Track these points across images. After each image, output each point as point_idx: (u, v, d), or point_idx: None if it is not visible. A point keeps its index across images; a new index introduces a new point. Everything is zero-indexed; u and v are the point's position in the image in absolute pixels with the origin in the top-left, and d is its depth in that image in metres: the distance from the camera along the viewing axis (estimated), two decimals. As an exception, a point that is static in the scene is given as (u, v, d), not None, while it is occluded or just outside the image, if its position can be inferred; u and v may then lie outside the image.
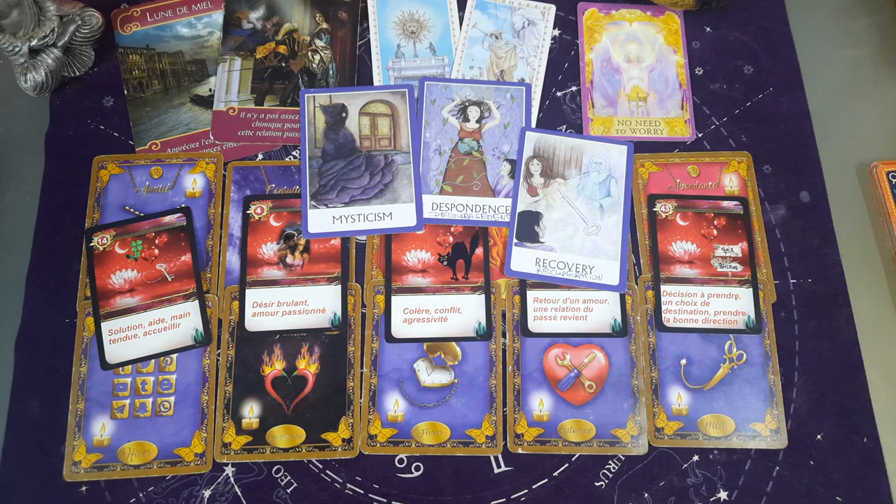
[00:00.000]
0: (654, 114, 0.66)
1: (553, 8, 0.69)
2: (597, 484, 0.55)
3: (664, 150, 0.65)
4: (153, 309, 0.58)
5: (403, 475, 0.56)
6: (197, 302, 0.58)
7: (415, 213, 0.61)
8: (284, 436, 0.56)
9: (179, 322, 0.58)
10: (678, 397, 0.57)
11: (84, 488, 0.55)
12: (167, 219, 0.61)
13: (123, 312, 0.58)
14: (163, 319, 0.58)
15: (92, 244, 0.59)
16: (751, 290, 0.59)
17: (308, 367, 0.58)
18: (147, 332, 0.58)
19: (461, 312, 0.59)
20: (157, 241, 0.60)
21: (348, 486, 0.55)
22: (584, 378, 0.58)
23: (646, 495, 0.55)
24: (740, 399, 0.57)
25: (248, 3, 0.69)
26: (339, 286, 0.59)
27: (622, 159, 0.63)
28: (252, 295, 0.59)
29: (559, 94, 0.67)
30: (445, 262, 0.60)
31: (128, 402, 0.57)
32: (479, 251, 0.61)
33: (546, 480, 0.56)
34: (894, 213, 0.61)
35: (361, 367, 0.58)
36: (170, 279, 0.59)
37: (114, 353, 0.57)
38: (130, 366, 0.57)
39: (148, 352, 0.57)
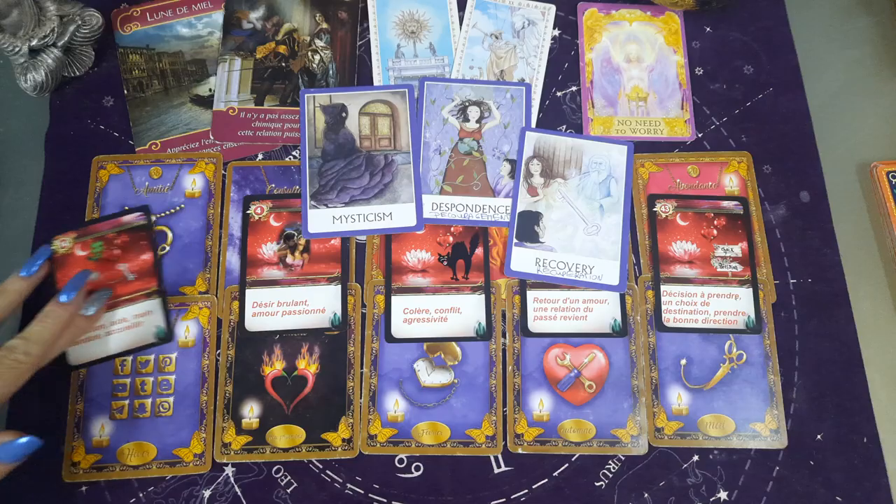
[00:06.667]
0: (654, 114, 0.66)
1: (553, 8, 0.69)
2: (597, 484, 0.55)
3: (664, 150, 0.65)
4: (116, 308, 0.58)
5: (403, 475, 0.56)
6: (159, 300, 0.58)
7: (415, 213, 0.61)
8: (284, 436, 0.56)
9: (142, 321, 0.58)
10: (678, 397, 0.57)
11: (84, 489, 0.55)
12: (126, 218, 0.60)
13: None
14: (125, 319, 0.58)
15: (52, 247, 0.59)
16: (751, 290, 0.59)
17: (308, 367, 0.58)
18: (110, 331, 0.57)
19: (461, 312, 0.59)
20: (116, 241, 0.59)
21: (348, 486, 0.55)
22: (584, 378, 0.58)
23: (646, 495, 0.55)
24: (740, 399, 0.57)
25: (248, 3, 0.69)
26: (339, 286, 0.59)
27: (622, 159, 0.63)
28: (252, 295, 0.59)
29: (559, 94, 0.67)
30: (445, 262, 0.60)
31: (127, 402, 0.57)
32: (479, 251, 0.61)
33: (546, 480, 0.56)
34: (894, 213, 0.61)
35: (361, 367, 0.58)
36: (131, 278, 0.59)
37: (77, 354, 0.57)
38: (130, 366, 0.57)
39: (111, 351, 0.57)
